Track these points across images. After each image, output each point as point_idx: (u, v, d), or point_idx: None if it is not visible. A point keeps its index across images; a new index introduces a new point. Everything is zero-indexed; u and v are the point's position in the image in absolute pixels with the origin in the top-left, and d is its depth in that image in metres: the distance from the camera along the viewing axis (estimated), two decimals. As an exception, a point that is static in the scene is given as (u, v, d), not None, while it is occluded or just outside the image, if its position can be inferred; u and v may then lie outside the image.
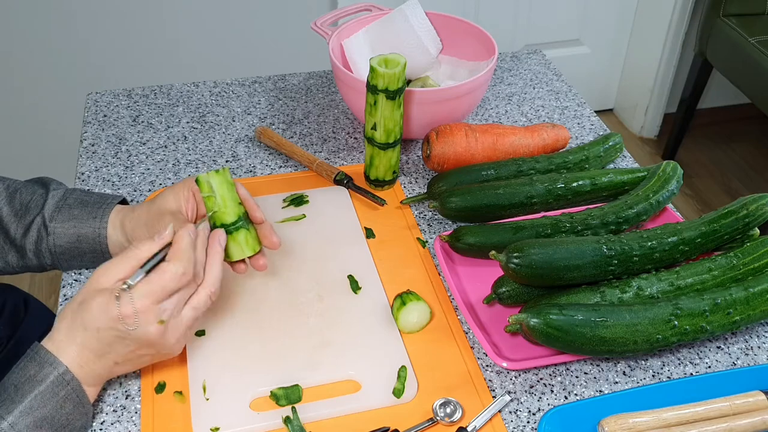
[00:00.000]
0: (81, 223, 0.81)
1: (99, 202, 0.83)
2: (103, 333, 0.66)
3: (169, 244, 0.69)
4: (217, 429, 0.70)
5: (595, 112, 1.23)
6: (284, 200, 0.98)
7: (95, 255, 0.83)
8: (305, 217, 0.95)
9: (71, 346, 0.67)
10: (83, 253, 0.83)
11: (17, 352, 1.02)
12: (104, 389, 0.75)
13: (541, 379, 0.78)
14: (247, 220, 0.75)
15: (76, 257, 0.83)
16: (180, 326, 0.69)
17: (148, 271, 0.67)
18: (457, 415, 0.73)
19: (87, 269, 0.87)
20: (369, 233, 0.94)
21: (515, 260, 0.78)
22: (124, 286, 0.66)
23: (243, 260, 0.78)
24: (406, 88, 0.94)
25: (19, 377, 0.66)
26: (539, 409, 0.75)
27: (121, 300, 0.65)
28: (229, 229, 0.74)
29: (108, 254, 0.82)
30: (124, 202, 0.87)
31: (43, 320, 1.07)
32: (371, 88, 0.91)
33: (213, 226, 0.74)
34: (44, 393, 0.65)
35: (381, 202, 0.97)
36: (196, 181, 0.74)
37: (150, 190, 1.00)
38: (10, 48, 1.96)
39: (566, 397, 0.76)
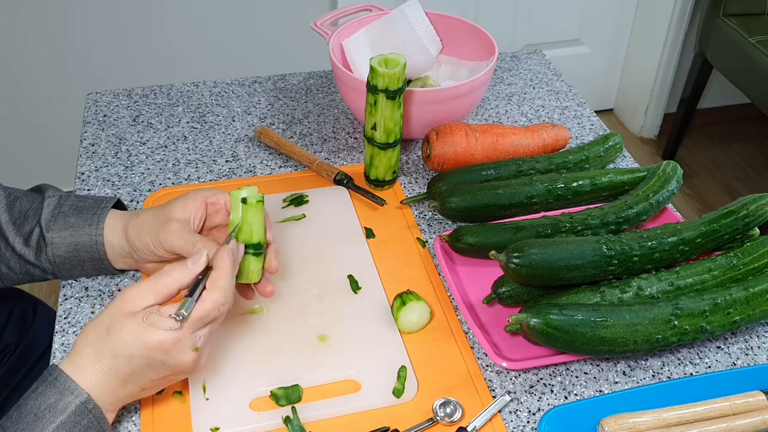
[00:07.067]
0: (77, 231, 0.80)
1: (93, 207, 0.81)
2: (137, 361, 0.65)
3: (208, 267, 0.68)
4: (217, 429, 0.70)
5: (595, 112, 1.23)
6: (284, 200, 0.98)
7: (95, 263, 0.82)
8: (305, 217, 0.95)
9: (94, 371, 0.65)
10: (83, 261, 0.82)
11: (25, 358, 1.01)
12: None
13: (541, 379, 0.78)
14: (263, 248, 0.75)
15: (76, 266, 0.82)
16: (205, 348, 0.69)
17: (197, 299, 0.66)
18: (457, 415, 0.73)
19: (88, 277, 0.87)
20: (369, 233, 0.94)
21: (515, 260, 0.78)
22: (178, 318, 0.64)
23: (249, 286, 0.77)
24: (406, 88, 0.94)
25: (38, 404, 0.63)
26: (539, 409, 0.75)
27: (159, 328, 0.64)
28: (248, 251, 0.73)
29: (106, 261, 0.82)
30: (119, 203, 0.86)
31: (51, 326, 1.06)
32: (371, 88, 0.91)
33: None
34: (66, 423, 0.63)
35: (381, 202, 0.97)
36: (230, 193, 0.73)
37: (150, 190, 1.00)
38: (11, 48, 1.96)
39: (566, 397, 0.76)
